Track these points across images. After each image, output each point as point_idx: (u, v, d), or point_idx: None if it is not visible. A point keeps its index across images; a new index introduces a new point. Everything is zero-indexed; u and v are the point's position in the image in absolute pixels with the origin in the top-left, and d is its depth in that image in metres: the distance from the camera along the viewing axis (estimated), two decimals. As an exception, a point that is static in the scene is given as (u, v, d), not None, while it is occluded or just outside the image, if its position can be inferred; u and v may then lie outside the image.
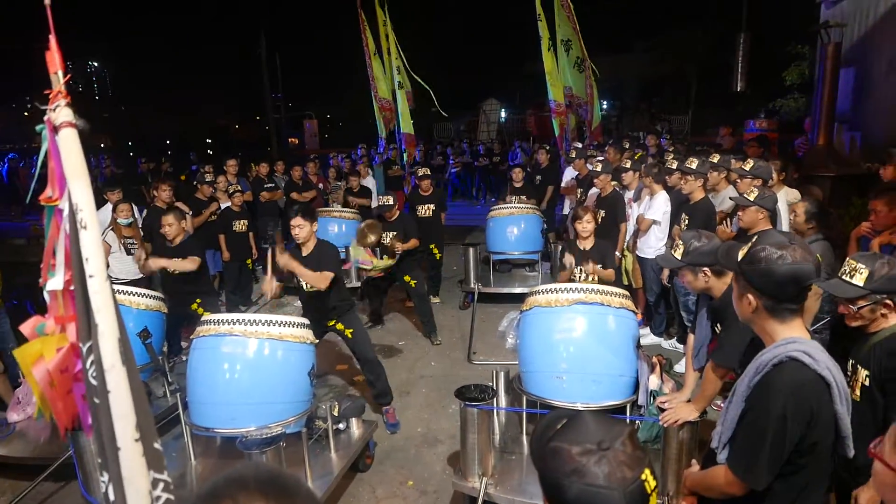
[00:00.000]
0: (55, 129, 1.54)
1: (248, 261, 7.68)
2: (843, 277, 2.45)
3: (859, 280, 2.38)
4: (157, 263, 5.14)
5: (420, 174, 7.72)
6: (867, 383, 2.40)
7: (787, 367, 1.70)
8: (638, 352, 3.84)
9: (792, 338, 1.74)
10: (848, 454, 1.81)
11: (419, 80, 10.80)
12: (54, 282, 1.69)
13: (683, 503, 2.07)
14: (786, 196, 5.43)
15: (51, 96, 1.53)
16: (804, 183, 6.41)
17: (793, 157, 9.70)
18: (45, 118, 1.54)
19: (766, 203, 4.15)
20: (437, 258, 7.54)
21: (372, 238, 5.97)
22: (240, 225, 7.37)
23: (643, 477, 1.06)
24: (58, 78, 1.54)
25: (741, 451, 1.78)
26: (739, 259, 1.86)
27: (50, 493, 3.98)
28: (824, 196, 6.25)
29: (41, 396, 1.77)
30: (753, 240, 1.87)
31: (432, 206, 7.41)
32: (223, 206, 7.61)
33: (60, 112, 1.53)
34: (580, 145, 8.81)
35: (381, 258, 5.87)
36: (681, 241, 3.07)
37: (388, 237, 6.14)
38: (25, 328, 1.79)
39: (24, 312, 7.80)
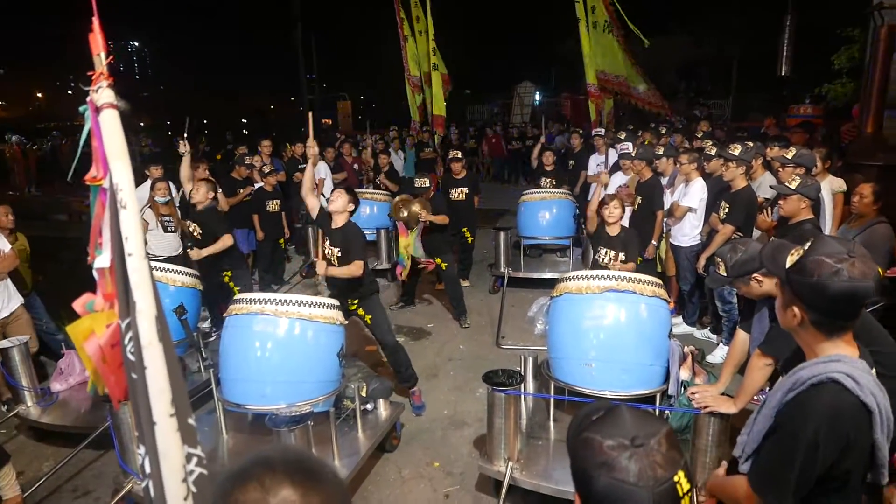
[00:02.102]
0: (97, 110, 1.58)
1: (281, 240, 7.78)
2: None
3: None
4: (198, 255, 5.33)
5: (451, 156, 7.67)
6: None
7: (826, 390, 1.57)
8: (670, 341, 3.78)
9: (837, 355, 1.60)
10: (881, 482, 1.69)
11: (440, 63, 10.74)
12: (102, 259, 1.73)
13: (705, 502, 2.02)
14: (829, 185, 5.27)
15: (93, 78, 1.56)
16: (849, 172, 6.19)
17: (838, 144, 9.37)
18: (88, 99, 1.57)
19: (809, 192, 4.02)
20: (469, 241, 7.52)
21: (405, 213, 5.97)
22: (273, 205, 7.46)
23: (676, 479, 1.03)
24: (100, 60, 1.57)
25: (765, 471, 1.68)
26: (788, 265, 1.69)
27: (90, 461, 4.13)
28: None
29: (94, 371, 1.84)
30: (806, 246, 1.67)
31: (465, 190, 7.38)
32: (257, 185, 7.71)
33: (102, 93, 1.56)
34: (602, 131, 8.61)
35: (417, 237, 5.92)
36: (720, 259, 3.02)
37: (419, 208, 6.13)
38: (77, 305, 1.85)
39: (66, 288, 8.07)
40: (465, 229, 7.35)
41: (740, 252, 2.92)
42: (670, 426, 1.11)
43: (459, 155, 7.66)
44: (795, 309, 1.66)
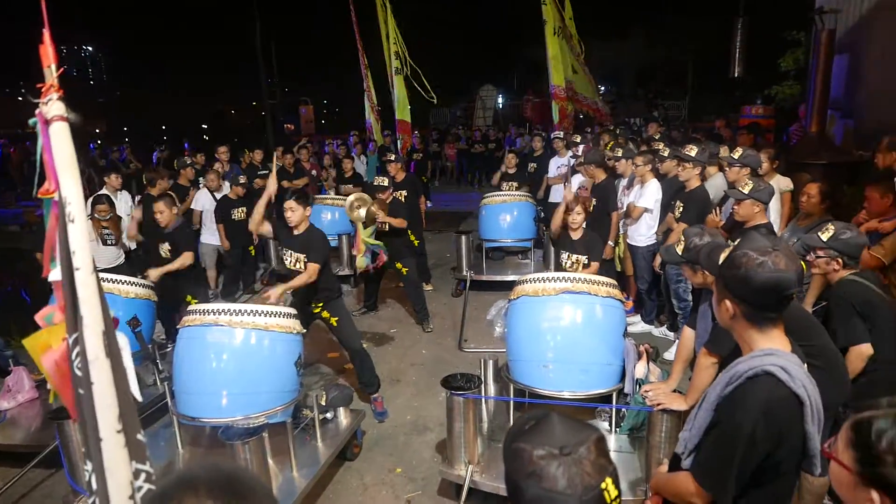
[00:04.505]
0: (47, 123, 1.54)
1: (251, 248, 7.65)
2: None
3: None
4: (156, 274, 5.12)
5: (384, 158, 7.56)
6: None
7: (762, 382, 1.63)
8: (625, 340, 3.85)
9: (770, 349, 1.67)
10: (814, 472, 1.76)
11: (415, 65, 10.76)
12: (56, 272, 1.70)
13: (649, 503, 2.05)
14: (777, 184, 5.43)
15: (43, 90, 1.53)
16: (795, 171, 6.40)
17: (786, 144, 9.69)
18: (37, 111, 1.54)
19: (762, 196, 4.11)
20: (416, 244, 7.21)
21: (362, 211, 5.86)
22: (239, 213, 7.32)
23: (603, 486, 1.04)
24: (51, 72, 1.54)
25: (708, 464, 1.73)
26: (720, 262, 1.79)
27: (39, 481, 4.00)
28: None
29: (54, 385, 1.80)
30: (736, 242, 1.80)
31: (404, 192, 7.26)
32: (219, 194, 7.58)
33: (52, 105, 1.53)
34: (561, 134, 8.74)
35: (372, 235, 5.84)
36: (683, 237, 3.10)
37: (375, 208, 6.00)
38: (38, 317, 1.82)
39: (20, 300, 7.79)
40: (409, 232, 7.28)
41: (704, 239, 3.01)
42: (601, 433, 1.12)
43: (393, 157, 7.56)
44: (728, 302, 1.73)
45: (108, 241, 6.08)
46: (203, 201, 7.45)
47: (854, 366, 2.96)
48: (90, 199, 5.97)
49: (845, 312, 3.01)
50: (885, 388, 2.99)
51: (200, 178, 8.01)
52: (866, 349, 2.96)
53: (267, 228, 4.46)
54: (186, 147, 16.36)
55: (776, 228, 5.14)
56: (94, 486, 1.64)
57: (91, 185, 9.64)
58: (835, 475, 1.20)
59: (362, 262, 5.73)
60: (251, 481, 0.93)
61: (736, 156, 4.91)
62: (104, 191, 6.63)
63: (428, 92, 10.56)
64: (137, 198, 7.29)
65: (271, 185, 4.43)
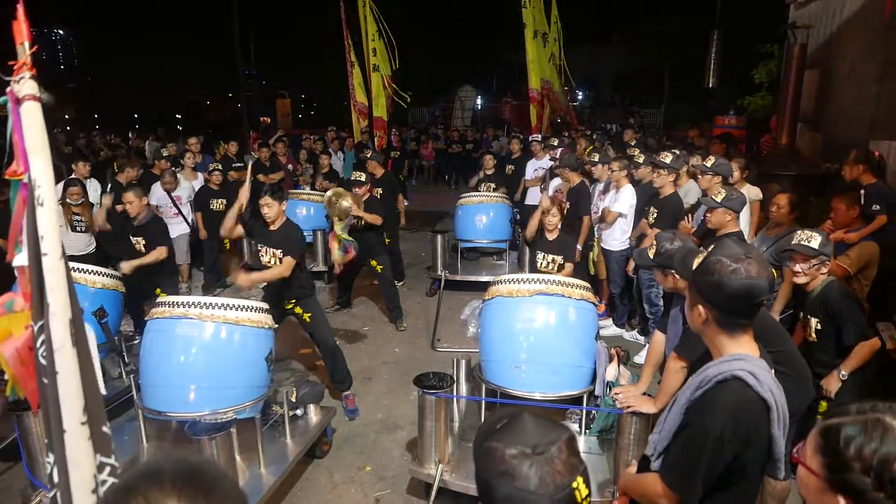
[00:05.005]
0: (18, 102, 1.49)
1: (227, 240, 7.52)
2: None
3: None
4: (129, 266, 5.01)
5: (365, 155, 7.54)
6: (819, 327, 3.26)
7: (731, 387, 1.66)
8: (597, 343, 3.89)
9: (739, 354, 1.70)
10: (778, 476, 1.79)
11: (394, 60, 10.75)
12: (21, 257, 1.64)
13: (616, 503, 2.07)
14: (747, 193, 5.53)
15: (15, 68, 1.49)
16: (765, 181, 6.54)
17: (757, 154, 9.90)
18: (8, 90, 1.49)
19: (734, 205, 4.14)
20: (387, 242, 7.20)
21: (345, 204, 5.80)
22: (217, 203, 7.19)
23: (574, 485, 1.05)
24: (24, 49, 1.49)
25: (676, 465, 1.75)
26: (694, 268, 1.81)
27: (-4, 474, 3.89)
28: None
29: (12, 375, 1.74)
30: (710, 249, 1.81)
31: (380, 190, 7.28)
32: (194, 183, 7.44)
33: (24, 84, 1.49)
34: (539, 136, 8.82)
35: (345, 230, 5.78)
36: (655, 242, 3.12)
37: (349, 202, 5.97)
38: None
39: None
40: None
41: (675, 244, 3.03)
42: (572, 432, 1.12)
43: (370, 154, 7.55)
44: (700, 308, 1.75)
45: (78, 228, 5.95)
46: (158, 195, 7.23)
47: (864, 360, 3.14)
48: (61, 183, 5.83)
49: (853, 309, 3.19)
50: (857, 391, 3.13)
51: (175, 168, 7.86)
52: (877, 342, 3.16)
53: (239, 232, 4.42)
54: (156, 133, 15.97)
55: (745, 237, 5.25)
56: (56, 479, 1.59)
57: (58, 173, 9.38)
58: (803, 480, 1.22)
59: (338, 255, 5.68)
60: (217, 474, 0.90)
61: (709, 164, 5.00)
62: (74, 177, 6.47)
63: (401, 97, 10.56)
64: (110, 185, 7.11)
65: (243, 195, 4.36)
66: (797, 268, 3.26)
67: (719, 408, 1.65)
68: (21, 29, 1.47)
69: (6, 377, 1.77)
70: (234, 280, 4.12)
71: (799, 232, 3.30)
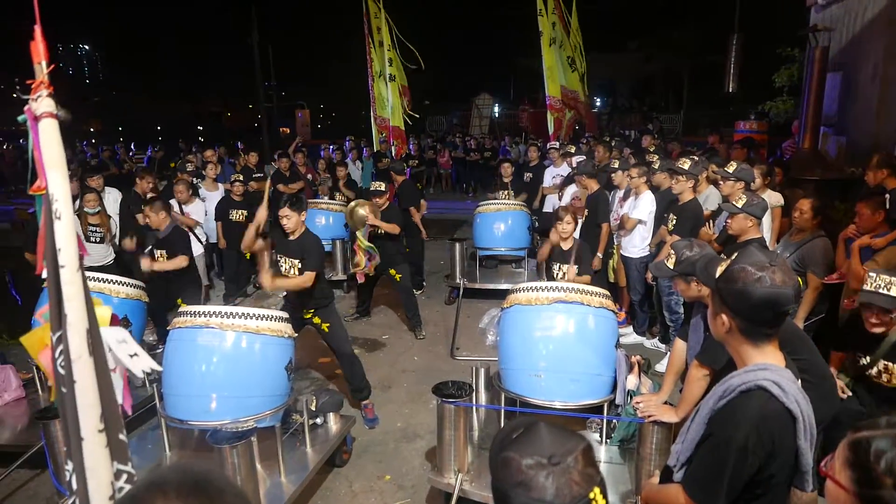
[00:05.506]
0: (36, 119, 1.54)
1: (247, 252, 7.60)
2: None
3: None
4: (147, 264, 5.11)
5: (384, 165, 7.58)
6: None
7: (755, 397, 1.63)
8: (617, 351, 3.86)
9: (764, 364, 1.67)
10: (806, 489, 1.75)
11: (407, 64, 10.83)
12: None
13: None
14: (768, 199, 5.47)
15: (33, 86, 1.53)
16: (789, 186, 6.46)
17: (780, 159, 9.77)
18: (26, 108, 1.54)
19: (755, 210, 4.10)
20: (406, 251, 7.22)
21: (361, 212, 5.86)
22: (237, 214, 7.27)
23: (591, 496, 1.04)
24: (41, 68, 1.54)
25: (699, 477, 1.73)
26: (717, 276, 1.78)
27: (25, 481, 3.96)
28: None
29: (53, 382, 1.79)
30: (733, 257, 1.77)
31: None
32: (215, 194, 7.54)
33: (42, 102, 1.53)
34: (557, 144, 8.81)
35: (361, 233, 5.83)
36: (673, 251, 3.09)
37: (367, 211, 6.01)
38: (38, 315, 1.82)
39: (9, 299, 7.72)
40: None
41: (695, 251, 3.00)
42: (588, 442, 1.11)
43: (388, 164, 7.58)
44: (724, 316, 1.72)
45: (93, 238, 5.99)
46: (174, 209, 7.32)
47: None
48: (80, 194, 5.94)
49: None
50: None
51: (195, 179, 7.97)
52: None
53: (260, 246, 4.38)
54: (186, 148, 16.22)
55: (767, 243, 5.18)
56: (75, 486, 1.62)
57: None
58: (831, 494, 1.19)
59: (362, 260, 5.72)
60: (221, 483, 0.91)
61: (730, 170, 4.94)
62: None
63: (425, 97, 10.65)
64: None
65: (261, 214, 4.34)
66: (874, 320, 3.14)
67: (743, 418, 1.62)
68: (38, 49, 1.52)
69: (49, 384, 1.82)
70: (261, 278, 4.16)
71: (874, 275, 3.13)
